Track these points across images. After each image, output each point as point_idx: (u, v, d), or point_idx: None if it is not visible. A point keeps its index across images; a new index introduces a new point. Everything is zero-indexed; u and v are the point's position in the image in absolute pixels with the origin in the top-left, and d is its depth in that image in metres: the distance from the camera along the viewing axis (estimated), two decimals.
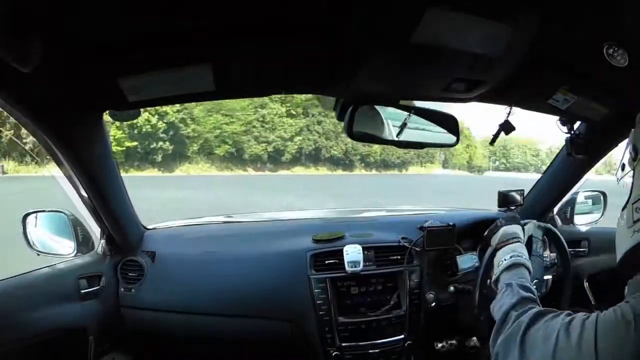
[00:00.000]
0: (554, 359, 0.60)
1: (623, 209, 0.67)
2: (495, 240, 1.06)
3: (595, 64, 0.81)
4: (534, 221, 1.27)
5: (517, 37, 0.71)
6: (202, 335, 1.31)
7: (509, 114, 1.06)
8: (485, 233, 1.14)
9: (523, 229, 1.10)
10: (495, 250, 1.02)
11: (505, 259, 0.94)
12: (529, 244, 1.34)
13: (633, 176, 0.66)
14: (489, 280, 1.04)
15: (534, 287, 0.88)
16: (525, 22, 0.68)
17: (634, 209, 0.62)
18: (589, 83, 0.94)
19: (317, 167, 31.70)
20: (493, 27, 0.68)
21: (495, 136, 1.10)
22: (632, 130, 0.71)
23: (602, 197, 1.60)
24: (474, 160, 51.38)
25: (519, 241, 1.02)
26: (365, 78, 0.81)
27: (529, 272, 0.92)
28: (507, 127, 1.06)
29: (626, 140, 0.72)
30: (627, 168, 0.69)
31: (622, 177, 0.70)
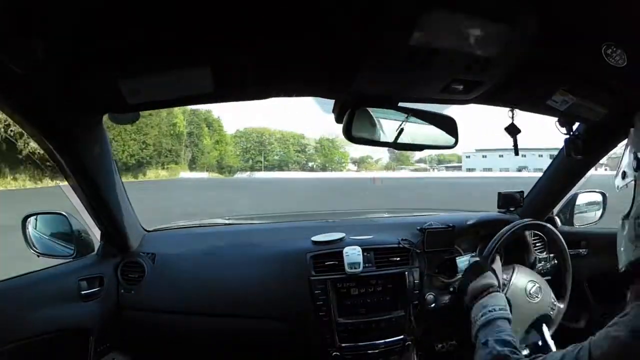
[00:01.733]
0: None
1: (624, 217, 0.67)
2: (467, 299, 1.04)
3: (594, 64, 0.81)
4: (529, 220, 1.27)
5: (515, 37, 0.71)
6: (202, 336, 1.31)
7: (512, 117, 1.06)
8: (457, 289, 1.13)
9: (493, 271, 1.07)
10: (470, 308, 1.00)
11: (479, 316, 0.92)
12: (524, 245, 1.35)
13: (635, 188, 0.65)
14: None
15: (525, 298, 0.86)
16: (524, 22, 0.68)
17: (637, 224, 0.62)
18: (587, 83, 0.94)
19: None
20: (491, 28, 0.68)
21: (515, 145, 1.08)
22: (632, 131, 0.70)
23: (601, 198, 1.60)
24: (225, 159, 45.07)
25: (491, 291, 0.99)
26: (363, 80, 0.82)
27: (509, 322, 0.89)
28: (512, 130, 1.06)
29: (624, 142, 0.71)
30: (628, 176, 0.67)
31: (622, 186, 0.69)
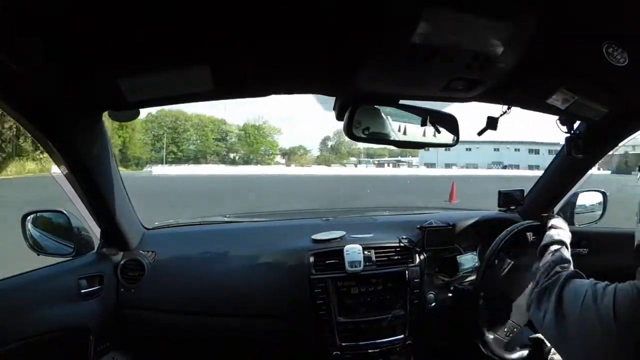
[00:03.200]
0: (580, 313, 0.71)
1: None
2: (543, 242, 1.11)
3: (595, 63, 0.81)
4: (530, 222, 1.28)
5: (516, 36, 0.71)
6: (202, 335, 1.31)
7: (503, 113, 1.05)
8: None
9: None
10: (548, 228, 1.13)
11: (558, 234, 1.07)
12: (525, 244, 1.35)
13: None
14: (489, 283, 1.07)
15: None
16: (525, 21, 0.68)
17: None
18: (588, 82, 0.94)
19: None
20: (492, 27, 0.68)
21: (482, 131, 1.08)
22: None
23: (602, 197, 1.60)
24: (131, 148, 35.40)
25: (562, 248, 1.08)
26: (364, 78, 0.81)
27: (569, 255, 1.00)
28: (492, 123, 1.05)
29: (625, 141, 0.73)
30: None
31: None
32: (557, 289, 0.79)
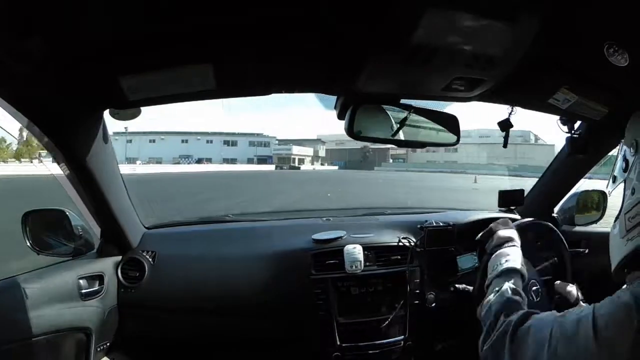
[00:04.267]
0: (549, 354, 0.59)
1: (616, 219, 0.68)
2: (489, 245, 1.04)
3: (596, 64, 0.81)
4: (531, 219, 1.27)
5: (517, 36, 0.71)
6: (202, 335, 1.31)
7: (510, 113, 1.06)
8: (479, 237, 1.11)
9: (519, 231, 1.08)
10: (490, 255, 1.00)
11: (498, 264, 0.92)
12: (524, 243, 1.34)
13: (624, 187, 0.66)
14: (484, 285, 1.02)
15: (525, 293, 0.86)
16: (526, 21, 0.68)
17: (627, 218, 0.63)
18: (589, 82, 0.94)
19: None
20: (493, 27, 0.68)
21: (505, 138, 1.09)
22: (622, 140, 0.72)
23: (602, 197, 1.60)
24: None
25: (514, 245, 0.99)
26: (365, 77, 0.81)
27: (523, 279, 0.89)
28: (505, 124, 1.06)
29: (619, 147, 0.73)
30: (619, 179, 0.69)
31: (613, 190, 0.71)
32: (508, 341, 0.66)
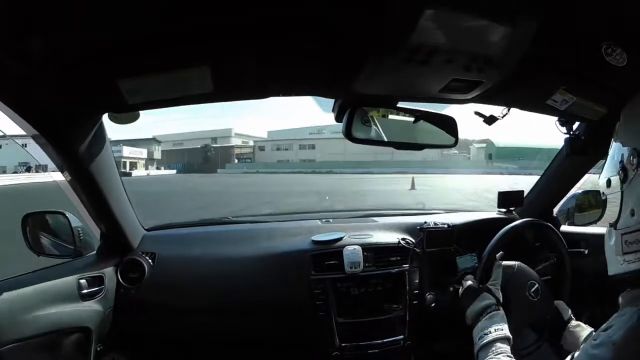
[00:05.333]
0: None
1: (611, 225, 0.66)
2: (468, 320, 1.05)
3: (594, 64, 0.81)
4: (530, 220, 1.26)
5: (515, 37, 0.71)
6: (201, 336, 1.31)
7: (504, 115, 1.06)
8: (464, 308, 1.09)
9: (489, 290, 1.06)
10: (471, 327, 1.02)
11: (477, 339, 0.95)
12: (524, 243, 1.34)
13: (621, 200, 0.64)
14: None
15: (525, 293, 0.97)
16: (524, 22, 0.68)
17: (624, 240, 0.62)
18: (587, 83, 0.94)
19: None
20: (491, 28, 0.68)
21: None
22: (613, 142, 0.69)
23: (602, 197, 1.59)
24: None
25: (489, 311, 1.00)
26: (364, 79, 0.81)
27: (508, 341, 0.91)
28: (491, 120, 1.07)
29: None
30: (614, 187, 0.66)
31: (608, 194, 0.68)
32: None
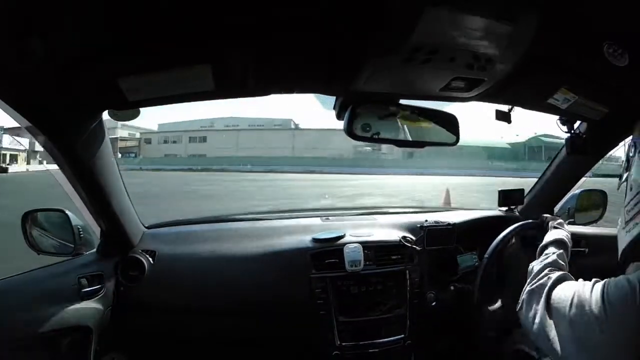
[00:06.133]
0: (570, 316, 0.68)
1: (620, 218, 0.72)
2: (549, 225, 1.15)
3: (595, 63, 0.81)
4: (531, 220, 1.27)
5: (517, 36, 0.71)
6: (201, 335, 1.31)
7: (509, 110, 1.06)
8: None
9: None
10: (549, 229, 1.13)
11: (557, 236, 1.05)
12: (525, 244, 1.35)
13: (626, 185, 0.71)
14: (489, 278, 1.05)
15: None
16: (525, 21, 0.68)
17: (625, 212, 0.69)
18: (589, 82, 0.94)
19: None
20: (493, 26, 0.68)
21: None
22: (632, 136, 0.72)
23: (602, 197, 1.60)
24: None
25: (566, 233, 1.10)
26: (365, 77, 0.81)
27: (568, 253, 1.01)
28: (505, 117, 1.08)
29: (625, 141, 0.73)
30: (622, 178, 0.73)
31: (620, 185, 0.74)
32: (545, 292, 0.77)
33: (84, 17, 0.61)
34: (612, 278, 0.67)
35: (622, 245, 0.70)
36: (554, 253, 0.97)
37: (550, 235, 1.09)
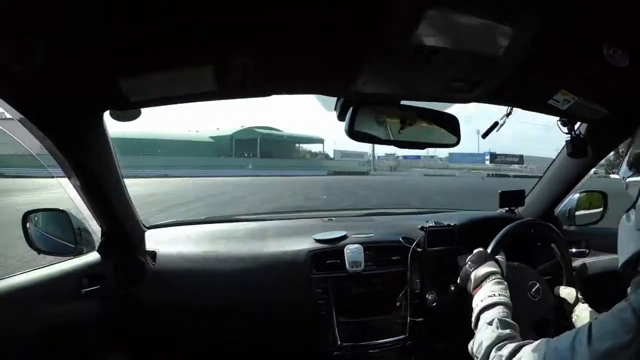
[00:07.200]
0: None
1: (628, 210, 0.67)
2: (470, 287, 1.01)
3: (596, 65, 0.82)
4: (531, 219, 1.26)
5: (517, 37, 0.71)
6: (202, 335, 1.31)
7: (508, 114, 1.06)
8: (458, 281, 1.07)
9: (497, 261, 1.04)
10: (472, 296, 0.98)
11: (481, 301, 0.91)
12: (525, 244, 1.34)
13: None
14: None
15: (526, 293, 0.91)
16: (526, 22, 0.68)
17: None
18: (589, 83, 0.94)
19: None
20: (493, 28, 0.68)
21: (488, 130, 1.09)
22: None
23: (602, 198, 1.60)
24: None
25: (494, 278, 0.96)
26: (366, 78, 0.82)
27: (509, 309, 0.88)
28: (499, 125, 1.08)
29: (626, 142, 0.72)
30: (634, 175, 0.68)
31: (627, 178, 0.69)
32: None
33: (85, 17, 0.61)
34: (595, 319, 0.61)
35: (631, 248, 0.64)
36: (490, 322, 0.82)
37: (475, 300, 0.93)
